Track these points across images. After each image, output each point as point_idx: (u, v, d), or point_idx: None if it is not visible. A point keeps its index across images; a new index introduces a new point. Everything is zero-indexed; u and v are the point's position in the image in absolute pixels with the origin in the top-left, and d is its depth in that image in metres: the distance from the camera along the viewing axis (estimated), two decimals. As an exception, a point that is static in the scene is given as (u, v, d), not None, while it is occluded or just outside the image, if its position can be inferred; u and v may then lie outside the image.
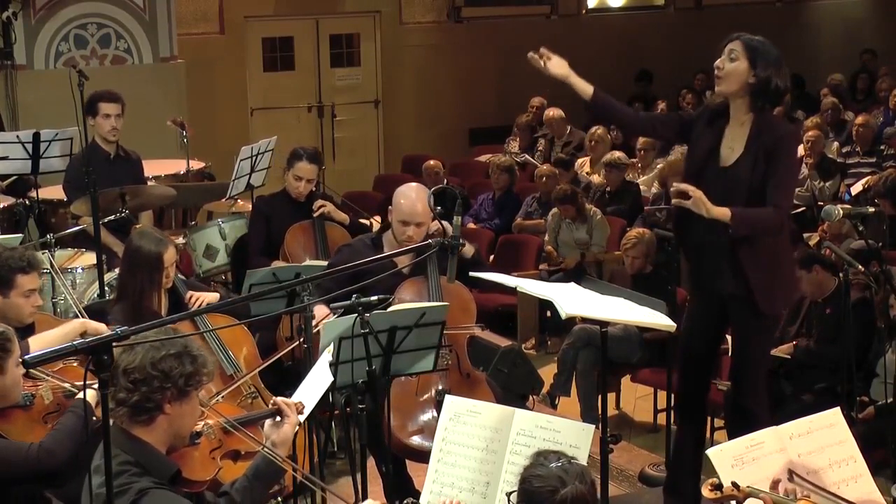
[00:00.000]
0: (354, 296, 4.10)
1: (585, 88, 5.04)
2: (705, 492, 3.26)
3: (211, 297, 5.36)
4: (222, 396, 4.75)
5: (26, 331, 4.49)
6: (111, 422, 3.04)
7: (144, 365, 3.24)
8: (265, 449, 3.59)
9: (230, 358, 5.08)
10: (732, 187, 4.77)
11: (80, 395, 3.53)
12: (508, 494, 3.21)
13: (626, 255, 7.28)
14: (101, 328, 4.45)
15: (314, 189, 6.82)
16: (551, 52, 5.04)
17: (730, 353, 5.28)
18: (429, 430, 4.80)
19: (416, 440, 5.02)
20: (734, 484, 3.27)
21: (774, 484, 3.39)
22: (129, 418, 3.27)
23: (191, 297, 5.23)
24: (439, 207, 5.13)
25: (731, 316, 5.01)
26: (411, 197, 5.30)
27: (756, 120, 4.82)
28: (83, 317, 5.07)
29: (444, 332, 5.02)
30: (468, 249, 5.33)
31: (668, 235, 6.06)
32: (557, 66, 5.01)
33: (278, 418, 3.67)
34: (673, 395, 5.62)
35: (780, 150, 4.78)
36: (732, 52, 4.79)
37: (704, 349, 5.14)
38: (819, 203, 8.80)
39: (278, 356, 5.21)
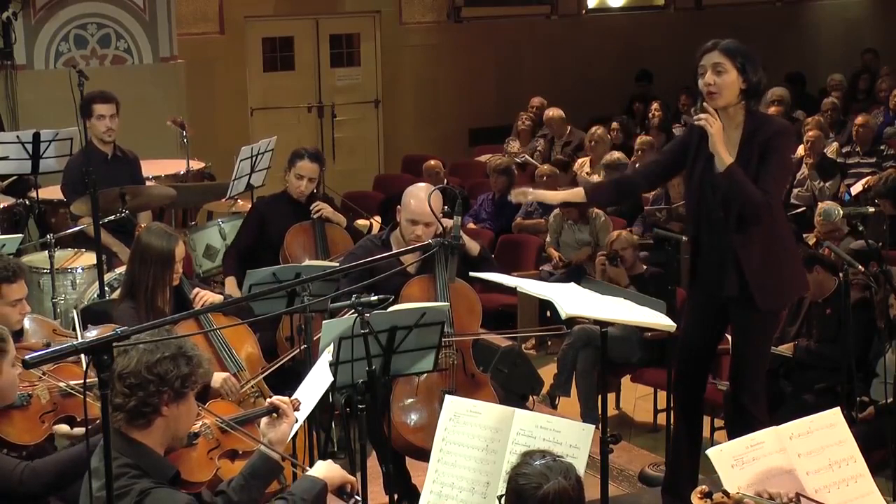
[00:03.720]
0: (354, 296, 4.11)
1: (578, 196, 5.27)
2: (695, 500, 3.27)
3: (215, 297, 5.37)
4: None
5: (15, 335, 4.48)
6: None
7: (140, 369, 3.23)
8: (263, 446, 3.58)
9: (234, 357, 5.08)
10: (729, 191, 4.77)
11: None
12: (500, 497, 3.25)
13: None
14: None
15: (315, 190, 6.82)
16: (528, 189, 5.34)
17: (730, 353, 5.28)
18: (431, 429, 4.80)
19: (418, 438, 5.03)
20: (724, 492, 3.29)
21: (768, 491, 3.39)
22: (126, 422, 3.26)
23: (196, 294, 5.24)
24: (446, 207, 5.16)
25: (731, 315, 5.01)
26: (421, 197, 5.31)
27: (747, 121, 4.83)
28: (79, 320, 5.04)
29: (454, 337, 5.05)
30: (473, 247, 5.34)
31: (668, 235, 6.06)
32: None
33: (274, 415, 3.66)
34: (671, 395, 5.63)
35: (772, 144, 4.78)
36: (718, 66, 4.76)
37: (703, 348, 5.14)
38: (819, 203, 8.79)
39: (284, 360, 5.21)
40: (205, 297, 5.24)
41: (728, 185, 4.73)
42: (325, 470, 3.53)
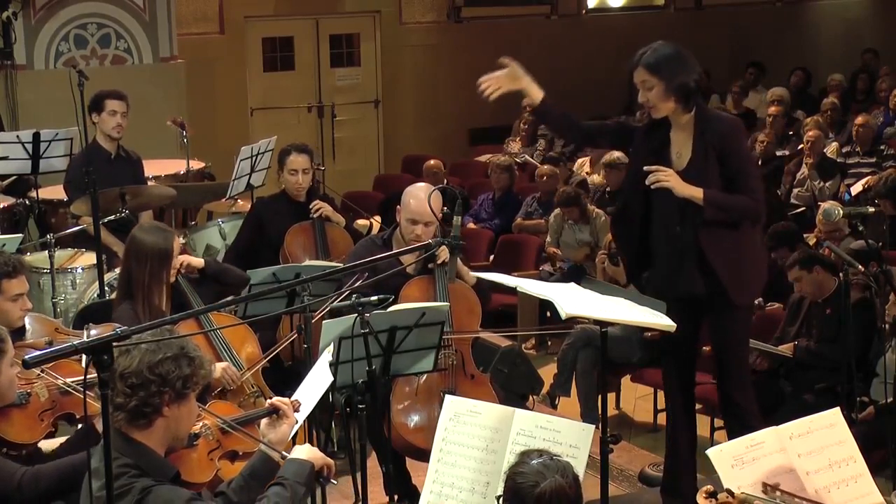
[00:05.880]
0: (354, 296, 4.11)
1: (536, 94, 5.17)
2: (700, 500, 3.28)
3: (196, 261, 5.30)
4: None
5: (17, 333, 4.47)
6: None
7: (141, 369, 3.23)
8: (264, 445, 3.57)
9: (234, 357, 5.08)
10: (714, 214, 4.82)
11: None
12: (498, 498, 3.27)
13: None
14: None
15: (313, 185, 6.81)
16: (508, 61, 5.14)
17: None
18: (431, 429, 4.81)
19: (418, 438, 5.03)
20: (728, 491, 3.29)
21: (774, 487, 3.39)
22: (127, 422, 3.26)
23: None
24: (445, 208, 5.17)
25: (706, 313, 5.04)
26: (420, 197, 5.32)
27: (696, 119, 4.89)
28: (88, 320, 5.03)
29: (451, 335, 5.05)
30: (469, 278, 5.35)
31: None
32: (513, 76, 5.12)
33: (275, 416, 3.65)
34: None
35: (728, 145, 4.87)
36: (645, 83, 4.86)
37: (684, 346, 5.16)
38: (819, 203, 8.80)
39: (277, 349, 5.22)
40: (183, 260, 5.18)
41: (716, 212, 4.80)
42: (308, 453, 3.54)
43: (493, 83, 5.14)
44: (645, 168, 4.86)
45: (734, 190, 4.84)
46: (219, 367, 4.85)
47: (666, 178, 4.80)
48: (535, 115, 5.28)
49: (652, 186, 4.84)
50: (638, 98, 4.95)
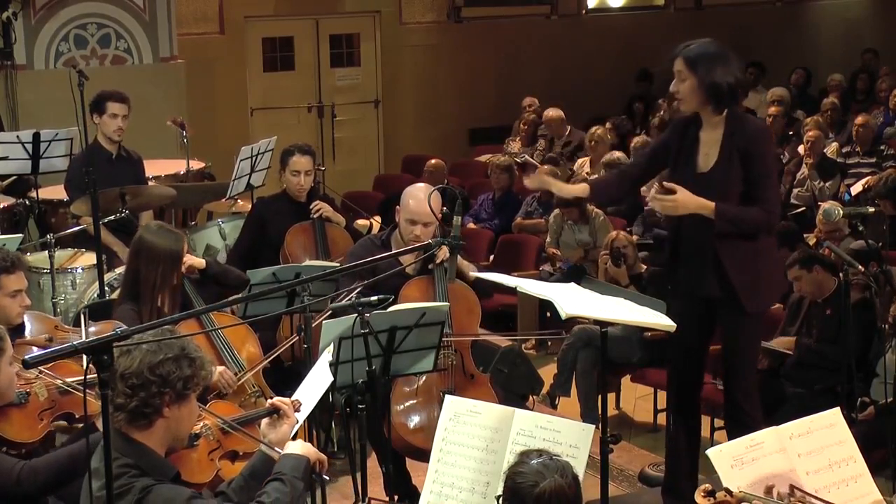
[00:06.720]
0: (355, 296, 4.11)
1: (580, 190, 5.29)
2: (698, 498, 3.28)
3: (197, 261, 5.30)
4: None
5: (16, 331, 4.47)
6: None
7: (142, 370, 3.23)
8: (264, 445, 3.58)
9: (234, 356, 5.08)
10: (710, 192, 4.82)
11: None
12: (498, 498, 3.28)
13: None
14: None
15: (314, 185, 6.81)
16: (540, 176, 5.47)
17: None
18: (431, 430, 4.81)
19: (418, 438, 5.03)
20: (727, 490, 3.30)
21: (769, 489, 3.40)
22: (127, 422, 3.26)
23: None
24: (445, 208, 5.17)
25: (718, 316, 5.04)
26: (420, 197, 5.32)
27: (727, 120, 4.88)
28: (84, 319, 5.02)
29: (451, 337, 5.04)
30: (469, 275, 5.37)
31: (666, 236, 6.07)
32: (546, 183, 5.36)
33: (275, 416, 3.65)
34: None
35: (754, 149, 4.85)
36: (681, 74, 4.86)
37: (694, 347, 5.15)
38: (819, 203, 8.80)
39: (278, 352, 5.22)
40: (186, 261, 5.17)
41: (727, 226, 4.80)
42: (301, 448, 3.54)
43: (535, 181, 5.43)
44: (651, 193, 4.87)
45: (752, 195, 4.82)
46: (216, 371, 4.84)
47: (672, 205, 4.81)
48: (592, 203, 5.45)
49: (657, 212, 4.86)
50: (670, 89, 4.97)
